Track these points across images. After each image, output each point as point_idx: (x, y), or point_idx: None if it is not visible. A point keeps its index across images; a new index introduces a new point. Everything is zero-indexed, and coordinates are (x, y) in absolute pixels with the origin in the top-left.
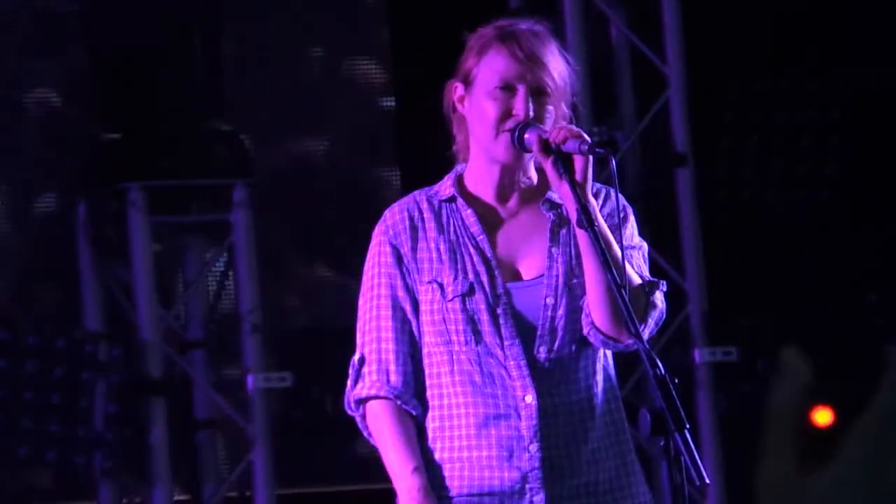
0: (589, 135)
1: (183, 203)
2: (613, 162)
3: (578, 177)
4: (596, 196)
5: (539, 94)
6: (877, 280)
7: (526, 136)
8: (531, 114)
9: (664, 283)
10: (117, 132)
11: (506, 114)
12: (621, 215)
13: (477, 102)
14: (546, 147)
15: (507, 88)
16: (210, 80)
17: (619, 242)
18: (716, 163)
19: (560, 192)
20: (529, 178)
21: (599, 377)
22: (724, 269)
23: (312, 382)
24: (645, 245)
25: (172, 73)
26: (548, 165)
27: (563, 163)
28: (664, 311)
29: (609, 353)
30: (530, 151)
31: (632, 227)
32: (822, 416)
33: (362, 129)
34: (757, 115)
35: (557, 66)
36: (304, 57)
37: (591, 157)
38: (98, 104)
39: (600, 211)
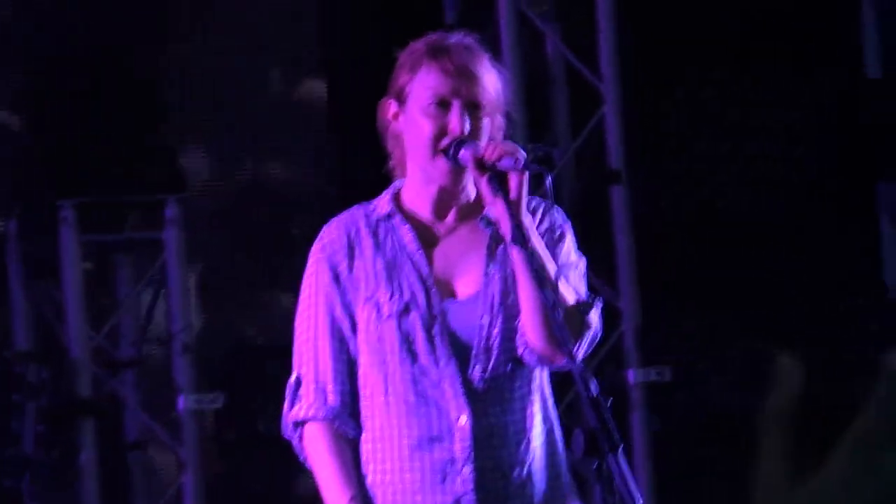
0: (524, 151)
1: (115, 221)
2: (549, 179)
3: (513, 194)
4: (535, 211)
5: (474, 108)
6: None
7: (461, 153)
8: (467, 130)
9: (600, 301)
10: (49, 149)
11: (441, 131)
12: (558, 232)
13: (412, 120)
14: (481, 164)
15: (442, 104)
16: (145, 96)
17: (556, 260)
18: (651, 179)
19: (495, 209)
20: (468, 194)
21: (535, 397)
22: (659, 287)
23: (245, 402)
24: (583, 262)
25: (106, 89)
26: (483, 183)
27: (498, 180)
28: (599, 330)
29: (544, 372)
30: (466, 168)
31: (570, 244)
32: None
33: (303, 147)
34: (690, 130)
35: (490, 79)
36: (246, 74)
37: (525, 175)
38: (31, 120)
39: (539, 227)
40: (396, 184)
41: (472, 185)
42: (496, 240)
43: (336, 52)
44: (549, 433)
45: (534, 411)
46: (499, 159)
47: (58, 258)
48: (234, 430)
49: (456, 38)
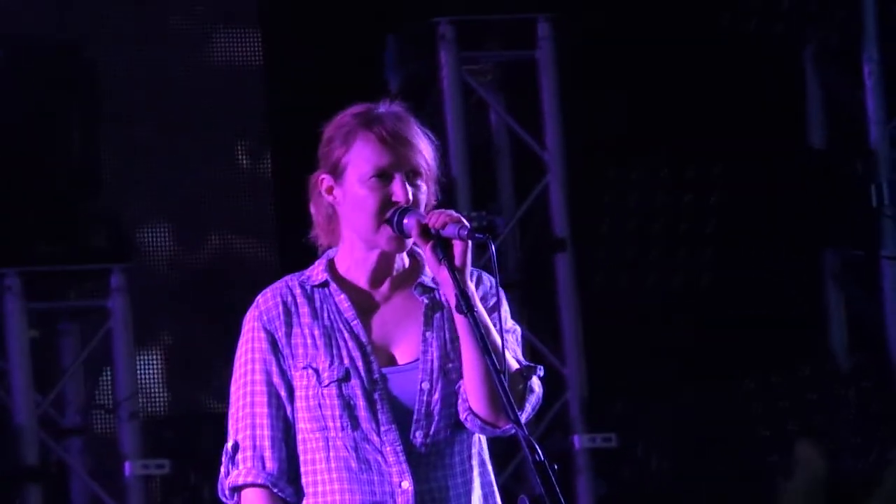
0: (468, 219)
1: (60, 289)
2: (492, 247)
3: (457, 262)
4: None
5: (413, 176)
6: (754, 366)
7: (405, 221)
8: (410, 199)
9: (541, 367)
10: None
11: (385, 202)
12: (492, 300)
13: (351, 193)
14: (425, 232)
15: (382, 176)
16: (87, 164)
17: (497, 326)
18: (596, 247)
19: (439, 276)
20: (402, 263)
21: (475, 461)
22: (604, 354)
23: (190, 469)
24: (518, 329)
25: (49, 156)
26: (427, 251)
27: (443, 248)
28: (541, 396)
29: (483, 437)
30: (409, 237)
31: (506, 311)
32: None
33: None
34: (634, 197)
35: (424, 145)
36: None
37: (469, 242)
38: None
39: (479, 293)
40: (329, 253)
41: (405, 255)
42: (434, 307)
43: (280, 125)
44: (489, 498)
45: (473, 476)
46: (443, 226)
47: (3, 326)
48: (181, 498)
49: (384, 107)
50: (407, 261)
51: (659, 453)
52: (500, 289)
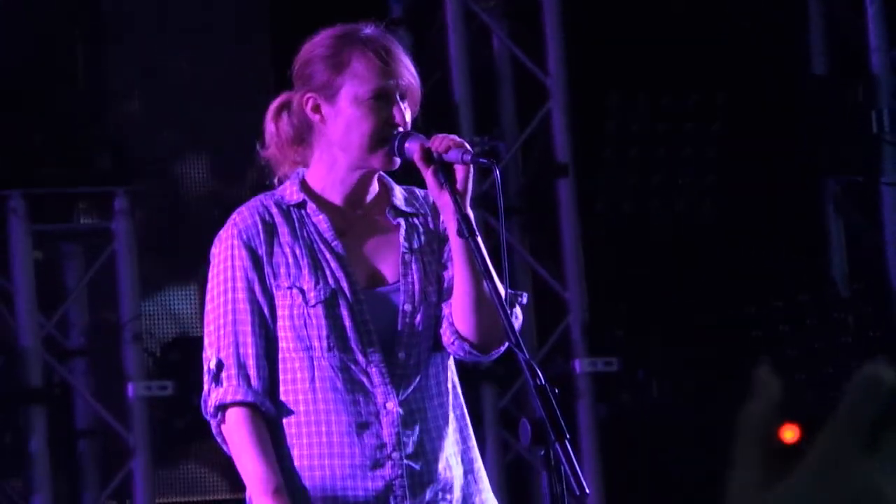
0: (470, 145)
1: (64, 210)
2: (497, 172)
3: (459, 186)
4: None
5: (404, 98)
6: (755, 292)
7: (406, 144)
8: (408, 122)
9: (524, 295)
10: None
11: (384, 124)
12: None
13: (347, 113)
14: (428, 156)
15: (381, 98)
16: (92, 85)
17: (502, 246)
18: (596, 174)
19: (439, 201)
20: (375, 187)
21: (448, 385)
22: (605, 279)
23: (193, 391)
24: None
25: (54, 80)
26: (428, 174)
27: (444, 172)
28: (521, 324)
29: (452, 361)
30: (410, 160)
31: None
32: (790, 433)
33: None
34: (636, 124)
35: (412, 70)
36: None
37: (472, 167)
38: None
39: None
40: (299, 172)
41: (375, 178)
42: (410, 230)
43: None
44: (460, 419)
45: (449, 399)
46: (446, 151)
47: (7, 248)
48: (184, 418)
49: (371, 28)
50: (377, 185)
51: (659, 378)
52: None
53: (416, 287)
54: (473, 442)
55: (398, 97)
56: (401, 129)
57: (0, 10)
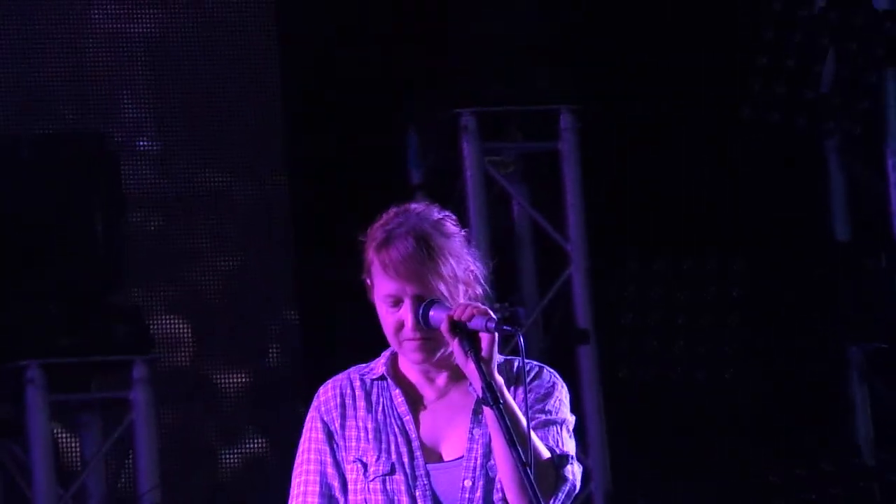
0: (494, 311)
1: (82, 381)
2: (521, 338)
3: (484, 353)
4: (529, 373)
5: (423, 300)
6: (778, 461)
7: (431, 313)
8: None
9: (573, 456)
10: (15, 309)
11: (398, 326)
12: (544, 390)
13: (377, 305)
14: (453, 325)
15: (395, 303)
16: (110, 255)
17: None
18: (619, 339)
19: (466, 370)
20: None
21: None
22: (626, 447)
23: None
24: (571, 419)
25: (71, 248)
26: (455, 344)
27: (469, 340)
28: (576, 485)
29: None
30: (437, 329)
31: (557, 401)
32: None
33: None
34: (657, 290)
35: (441, 265)
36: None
37: (496, 335)
38: None
39: (531, 384)
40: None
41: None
42: (482, 403)
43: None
44: None
45: None
46: (470, 318)
47: (25, 418)
48: None
49: (402, 228)
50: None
51: None
52: (557, 381)
53: (479, 462)
54: None
55: (413, 300)
56: (407, 332)
57: (22, 176)
